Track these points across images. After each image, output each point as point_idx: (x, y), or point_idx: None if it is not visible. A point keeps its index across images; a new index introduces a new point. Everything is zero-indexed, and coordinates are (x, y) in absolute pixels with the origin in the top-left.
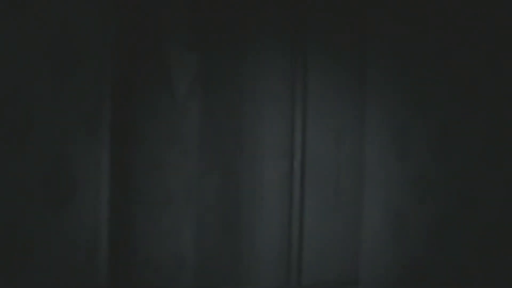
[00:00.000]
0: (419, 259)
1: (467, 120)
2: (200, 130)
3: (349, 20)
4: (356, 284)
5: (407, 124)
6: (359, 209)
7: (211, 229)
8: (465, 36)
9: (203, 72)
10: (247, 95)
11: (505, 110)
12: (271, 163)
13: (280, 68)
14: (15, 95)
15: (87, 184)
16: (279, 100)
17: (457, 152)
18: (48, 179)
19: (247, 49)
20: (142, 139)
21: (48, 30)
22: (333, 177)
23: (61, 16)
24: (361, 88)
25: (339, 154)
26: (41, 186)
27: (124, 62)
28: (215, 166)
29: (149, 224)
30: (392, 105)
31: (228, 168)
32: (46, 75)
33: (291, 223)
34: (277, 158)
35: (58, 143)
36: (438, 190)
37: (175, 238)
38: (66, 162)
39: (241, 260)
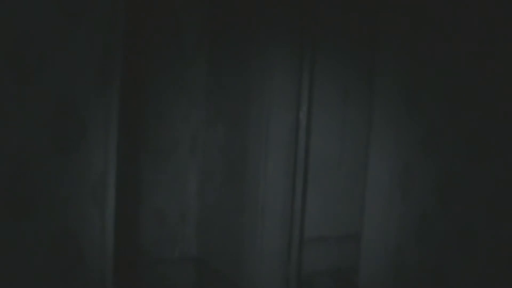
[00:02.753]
0: (425, 215)
1: (479, 77)
2: (207, 81)
3: None
4: (359, 239)
5: (418, 79)
6: (365, 164)
7: (215, 180)
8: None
9: (211, 23)
10: (256, 47)
11: None
12: (277, 115)
13: (290, 23)
14: (25, 37)
15: (95, 130)
16: (288, 53)
17: (468, 108)
18: (56, 124)
19: (256, 3)
20: (149, 88)
21: None
22: (340, 131)
23: None
24: (370, 45)
25: (346, 108)
26: (49, 130)
27: (134, 12)
28: (221, 117)
29: (154, 172)
30: (402, 61)
31: (234, 119)
32: (57, 19)
33: (296, 176)
34: (283, 110)
35: (67, 88)
36: (447, 145)
37: (179, 188)
38: (74, 107)
39: (244, 212)
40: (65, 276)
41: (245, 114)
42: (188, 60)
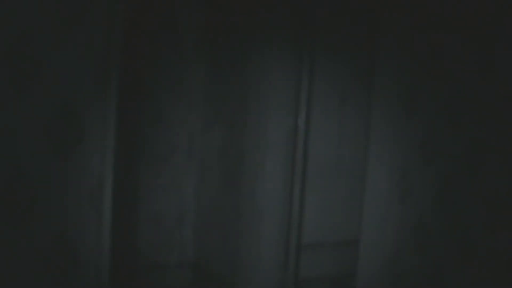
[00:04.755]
0: (423, 221)
1: (478, 81)
2: (205, 85)
3: None
4: (357, 245)
5: (416, 83)
6: (363, 169)
7: (213, 184)
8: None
9: (210, 27)
10: (254, 51)
11: None
12: (275, 120)
13: (288, 26)
14: (24, 40)
15: (93, 133)
16: (286, 57)
17: (466, 113)
18: (54, 127)
19: (254, 7)
20: (147, 91)
21: None
22: (338, 136)
23: None
24: (369, 49)
25: (344, 112)
26: (46, 134)
27: (133, 16)
28: (219, 122)
29: (151, 177)
30: (400, 65)
31: (232, 124)
32: (55, 22)
33: (293, 181)
34: (281, 115)
35: (65, 91)
36: (446, 151)
37: (176, 192)
38: (72, 110)
39: (241, 217)
40: (61, 280)
41: (243, 118)
42: (187, 64)
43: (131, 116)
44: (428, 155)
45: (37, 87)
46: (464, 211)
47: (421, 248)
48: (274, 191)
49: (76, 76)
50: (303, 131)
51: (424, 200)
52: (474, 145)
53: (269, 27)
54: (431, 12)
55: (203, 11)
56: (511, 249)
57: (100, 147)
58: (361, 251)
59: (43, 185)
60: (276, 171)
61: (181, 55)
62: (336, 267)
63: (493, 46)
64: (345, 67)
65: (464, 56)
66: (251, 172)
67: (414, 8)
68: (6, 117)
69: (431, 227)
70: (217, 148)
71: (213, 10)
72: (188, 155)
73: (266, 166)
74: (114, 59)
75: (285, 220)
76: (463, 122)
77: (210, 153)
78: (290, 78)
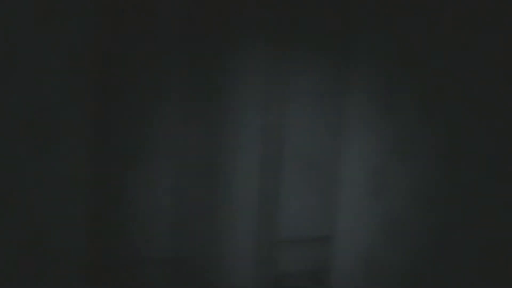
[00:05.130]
0: (399, 217)
1: (457, 79)
2: (184, 83)
3: None
4: (331, 241)
5: (392, 80)
6: (337, 166)
7: (190, 180)
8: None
9: (188, 26)
10: (232, 49)
11: (494, 72)
12: (252, 116)
13: (264, 23)
14: (2, 37)
15: (69, 130)
16: (261, 55)
17: (441, 111)
18: (31, 123)
19: (232, 4)
20: (126, 86)
21: None
22: (312, 132)
23: None
24: (344, 45)
25: (319, 110)
26: (25, 131)
27: (109, 12)
28: (197, 117)
29: (129, 172)
30: (376, 61)
31: (209, 119)
32: (35, 20)
33: (268, 177)
34: (258, 112)
35: (41, 88)
36: (420, 149)
37: (154, 187)
38: (49, 106)
39: (218, 212)
40: (38, 275)
41: (219, 113)
42: (166, 61)
43: (109, 112)
44: (403, 152)
45: (12, 84)
46: (439, 207)
47: (396, 244)
48: (252, 188)
49: (53, 73)
50: (280, 128)
51: (400, 196)
52: (450, 142)
53: (244, 23)
54: (410, 6)
55: (185, 7)
56: (486, 244)
57: (79, 144)
58: (336, 247)
59: (19, 181)
60: (253, 168)
61: (160, 52)
62: (313, 263)
63: (473, 42)
64: (321, 63)
65: (444, 52)
66: (229, 169)
67: (390, 4)
68: None
69: (407, 223)
70: (195, 143)
71: (194, 6)
72: (166, 151)
73: (243, 162)
74: (89, 57)
75: (262, 216)
76: (439, 118)
77: (187, 148)
78: (268, 75)
